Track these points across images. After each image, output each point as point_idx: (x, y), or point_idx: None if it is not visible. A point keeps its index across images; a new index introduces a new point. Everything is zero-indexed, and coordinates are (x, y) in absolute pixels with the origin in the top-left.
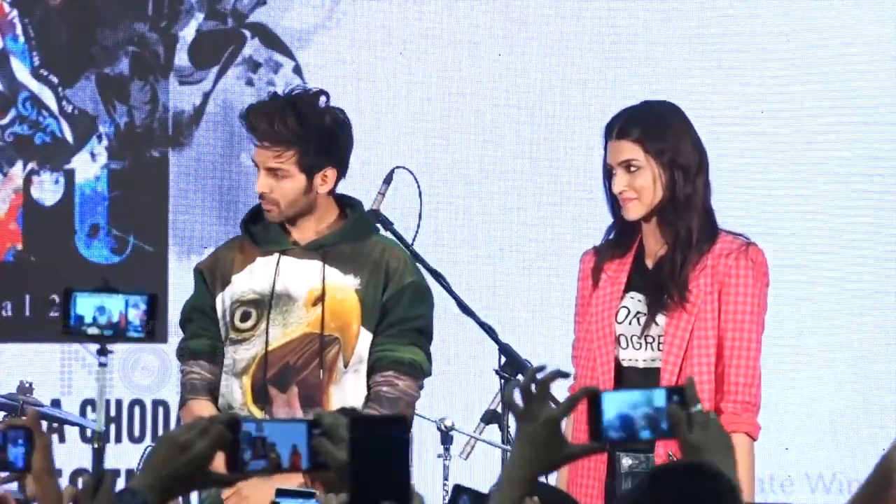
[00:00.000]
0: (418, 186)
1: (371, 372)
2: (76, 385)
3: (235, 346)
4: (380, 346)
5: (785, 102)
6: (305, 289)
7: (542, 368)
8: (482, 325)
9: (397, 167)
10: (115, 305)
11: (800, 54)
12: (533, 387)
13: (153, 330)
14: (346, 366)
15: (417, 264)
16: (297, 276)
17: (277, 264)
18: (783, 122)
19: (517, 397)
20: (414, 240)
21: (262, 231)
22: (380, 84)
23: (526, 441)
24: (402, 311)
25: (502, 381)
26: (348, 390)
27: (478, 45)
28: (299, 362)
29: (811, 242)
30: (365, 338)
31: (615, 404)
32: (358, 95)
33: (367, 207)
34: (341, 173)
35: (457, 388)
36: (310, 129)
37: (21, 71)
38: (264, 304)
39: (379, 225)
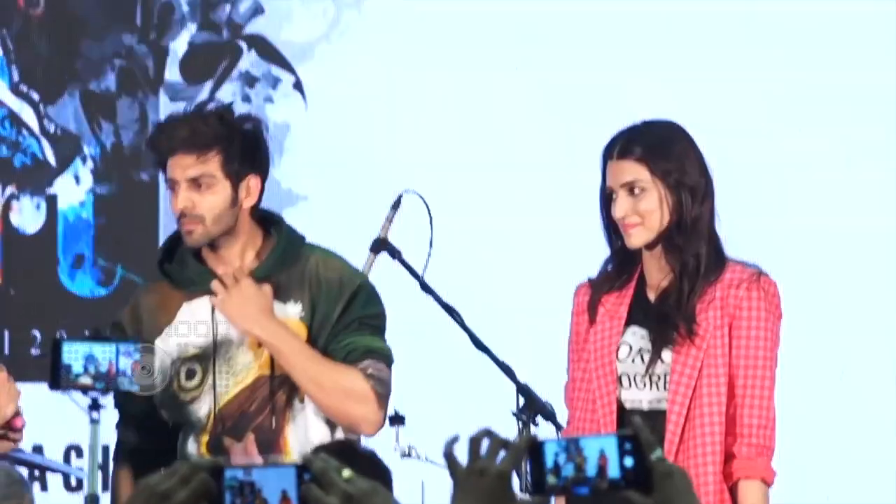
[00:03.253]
0: (429, 212)
1: (343, 360)
2: (60, 429)
3: (184, 406)
4: (343, 340)
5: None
6: None
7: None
8: (499, 363)
9: (406, 191)
10: (104, 354)
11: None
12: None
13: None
14: (302, 401)
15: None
16: None
17: (212, 310)
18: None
19: (458, 449)
20: (424, 270)
21: (179, 270)
22: (386, 101)
23: (476, 497)
24: (357, 311)
25: (521, 424)
26: (307, 426)
27: (490, 60)
28: (253, 408)
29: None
30: None
31: (557, 453)
32: (362, 113)
33: (375, 234)
34: (263, 186)
35: (471, 431)
36: (232, 130)
37: None
38: (207, 357)
39: (386, 252)
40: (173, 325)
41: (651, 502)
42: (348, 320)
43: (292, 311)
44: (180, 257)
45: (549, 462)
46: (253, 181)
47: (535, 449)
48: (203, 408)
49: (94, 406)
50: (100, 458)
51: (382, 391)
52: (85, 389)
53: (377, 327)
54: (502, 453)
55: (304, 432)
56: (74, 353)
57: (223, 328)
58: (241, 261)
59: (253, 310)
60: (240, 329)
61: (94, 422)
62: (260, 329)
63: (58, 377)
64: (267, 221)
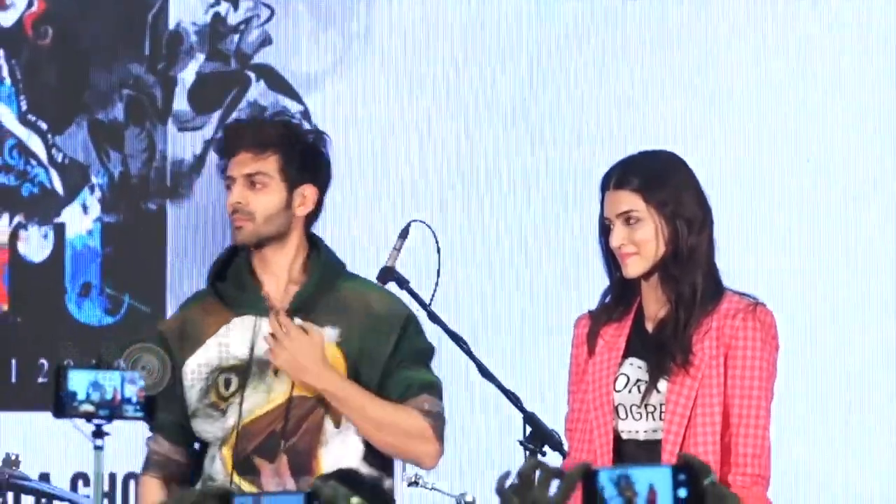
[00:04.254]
0: (436, 241)
1: (400, 396)
2: (66, 457)
3: (215, 416)
4: (400, 376)
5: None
6: None
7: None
8: (505, 392)
9: (414, 221)
10: (109, 382)
11: (812, 99)
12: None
13: (153, 408)
14: (336, 426)
15: (436, 324)
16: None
17: (254, 329)
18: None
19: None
20: (432, 299)
21: (233, 292)
22: (394, 132)
23: None
24: (410, 345)
25: (527, 452)
26: (339, 452)
27: (496, 92)
28: (285, 428)
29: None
30: None
31: (605, 486)
32: (370, 143)
33: (382, 263)
34: (320, 202)
35: (478, 460)
36: (295, 137)
37: (7, 116)
38: (243, 372)
39: (394, 282)
40: (216, 336)
41: None
42: (402, 356)
43: (329, 336)
44: (234, 273)
45: (607, 478)
46: (309, 191)
47: (587, 479)
48: (230, 420)
49: (98, 434)
50: (105, 486)
51: (439, 426)
52: (89, 417)
53: (428, 360)
54: (555, 485)
55: (338, 457)
56: (79, 381)
57: (262, 349)
58: (288, 273)
59: (306, 361)
60: (295, 381)
61: (97, 448)
62: (315, 380)
63: (62, 404)
64: (312, 243)
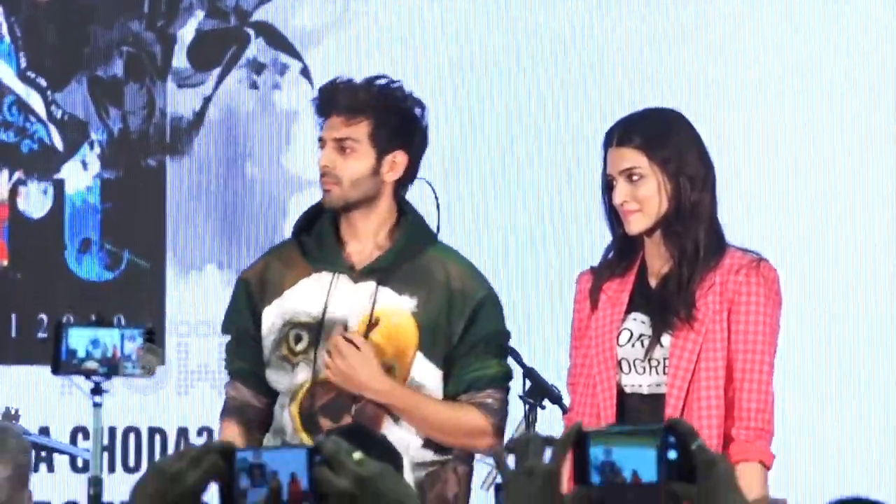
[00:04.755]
0: (436, 199)
1: (465, 391)
2: (66, 411)
3: (286, 369)
4: (471, 366)
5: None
6: (358, 315)
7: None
8: (505, 347)
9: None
10: (109, 339)
11: (811, 61)
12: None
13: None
14: None
15: None
16: (350, 300)
17: (330, 286)
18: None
19: (506, 452)
20: None
21: (315, 247)
22: None
23: (526, 498)
24: (484, 327)
25: (527, 406)
26: (404, 420)
27: (500, 49)
28: (355, 393)
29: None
30: (420, 363)
31: (602, 445)
32: None
33: None
34: (411, 168)
35: None
36: (389, 102)
37: (6, 73)
38: (315, 330)
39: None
40: (294, 289)
41: (695, 491)
42: (473, 340)
43: (406, 305)
44: (319, 229)
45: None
46: (400, 157)
47: (579, 442)
48: (299, 376)
49: (97, 390)
50: (104, 441)
51: (499, 420)
52: (89, 374)
53: (500, 346)
54: (548, 452)
55: (401, 426)
56: (79, 338)
57: (336, 308)
58: (374, 239)
59: (363, 377)
60: (355, 392)
61: (96, 406)
62: (374, 394)
63: (60, 361)
64: (401, 208)
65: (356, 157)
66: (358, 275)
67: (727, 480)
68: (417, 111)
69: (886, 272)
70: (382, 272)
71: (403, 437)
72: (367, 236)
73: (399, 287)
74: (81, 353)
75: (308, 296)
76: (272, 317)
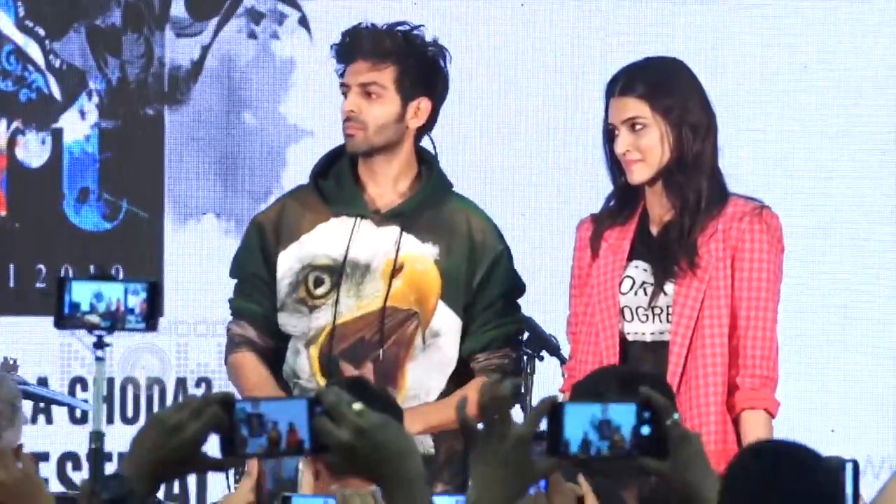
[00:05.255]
0: (434, 149)
1: (482, 349)
2: (65, 361)
3: (305, 312)
4: (489, 324)
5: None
6: (382, 259)
7: (496, 382)
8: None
9: None
10: (112, 293)
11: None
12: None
13: (156, 321)
14: (423, 341)
15: None
16: (373, 244)
17: (352, 230)
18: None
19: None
20: None
21: (335, 190)
22: None
23: (496, 462)
24: (501, 284)
25: (525, 357)
26: (424, 366)
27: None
28: (374, 337)
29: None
30: (442, 311)
31: (577, 417)
32: None
33: None
34: (433, 115)
35: None
36: (413, 48)
37: (4, 22)
38: (337, 272)
39: None
40: (312, 233)
41: (666, 467)
42: (491, 296)
43: (429, 252)
44: (337, 173)
45: (569, 430)
46: (424, 103)
47: (554, 412)
48: (321, 319)
49: (100, 344)
50: (104, 392)
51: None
52: (92, 328)
53: (516, 303)
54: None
55: (424, 374)
56: (83, 292)
57: (358, 252)
58: (394, 184)
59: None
60: None
61: (99, 360)
62: (416, 433)
63: (64, 315)
64: (422, 156)
65: (382, 103)
66: (381, 218)
67: (699, 456)
68: (441, 58)
69: (888, 220)
70: (406, 217)
71: (423, 382)
72: (387, 181)
73: (422, 234)
74: (85, 307)
75: (328, 239)
76: (289, 260)
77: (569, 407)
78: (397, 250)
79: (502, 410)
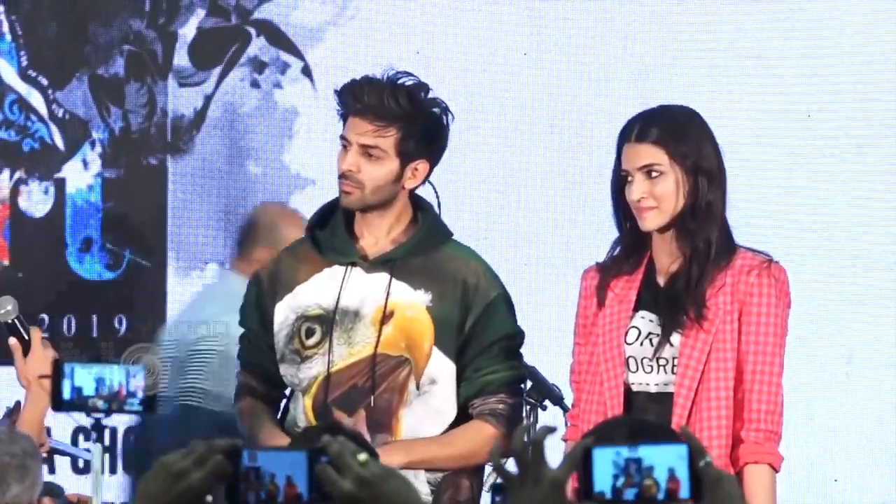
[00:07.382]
0: (437, 197)
1: (476, 395)
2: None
3: (299, 363)
4: (483, 369)
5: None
6: (372, 306)
7: (527, 428)
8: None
9: None
10: (114, 377)
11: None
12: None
13: (153, 403)
14: (417, 388)
15: None
16: (363, 291)
17: (343, 278)
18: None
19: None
20: None
21: (328, 238)
22: None
23: None
24: (496, 329)
25: (528, 407)
26: (419, 414)
27: (500, 44)
28: (367, 384)
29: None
30: (437, 358)
31: (608, 460)
32: None
33: None
34: (430, 173)
35: None
36: (419, 112)
37: (7, 72)
38: (328, 322)
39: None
40: (306, 284)
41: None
42: (486, 341)
43: (421, 299)
44: (333, 225)
45: (602, 473)
46: (422, 165)
47: (586, 456)
48: (313, 369)
49: (97, 427)
50: (105, 441)
51: (510, 427)
52: (91, 411)
53: (514, 348)
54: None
55: (418, 421)
56: (85, 375)
57: (349, 299)
58: (387, 235)
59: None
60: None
61: (97, 441)
62: (396, 465)
63: (60, 398)
64: (417, 205)
65: (381, 165)
66: (370, 265)
67: (734, 495)
68: (444, 118)
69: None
70: (396, 263)
71: (418, 429)
72: (380, 231)
73: (413, 281)
74: (88, 391)
75: (321, 288)
76: (284, 311)
77: (598, 452)
78: (387, 297)
79: (537, 454)
